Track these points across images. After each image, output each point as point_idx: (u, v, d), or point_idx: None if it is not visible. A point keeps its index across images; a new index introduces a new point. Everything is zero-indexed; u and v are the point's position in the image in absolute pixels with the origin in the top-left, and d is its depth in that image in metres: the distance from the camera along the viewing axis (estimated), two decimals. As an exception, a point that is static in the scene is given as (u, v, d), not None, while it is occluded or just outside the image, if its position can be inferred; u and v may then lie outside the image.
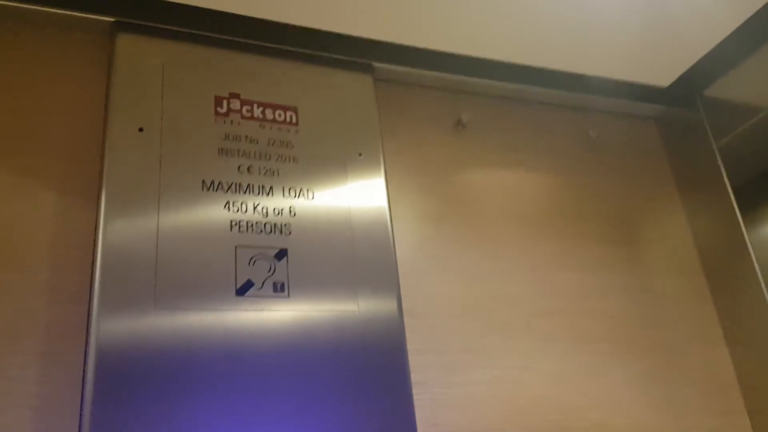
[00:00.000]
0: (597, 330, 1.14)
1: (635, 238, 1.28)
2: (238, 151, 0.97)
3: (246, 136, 0.99)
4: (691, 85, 1.41)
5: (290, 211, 0.96)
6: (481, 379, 1.01)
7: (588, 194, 1.29)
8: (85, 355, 0.77)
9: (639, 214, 1.32)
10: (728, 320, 1.26)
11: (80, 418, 0.74)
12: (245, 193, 0.94)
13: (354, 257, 0.97)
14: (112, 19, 0.98)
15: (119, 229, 0.84)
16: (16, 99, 0.92)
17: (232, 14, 1.04)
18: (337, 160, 1.04)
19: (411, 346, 0.98)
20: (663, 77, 1.40)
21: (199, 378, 0.80)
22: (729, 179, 1.33)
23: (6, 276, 0.82)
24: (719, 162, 1.36)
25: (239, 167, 0.96)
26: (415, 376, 0.97)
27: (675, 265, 1.29)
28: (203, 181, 0.92)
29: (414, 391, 0.92)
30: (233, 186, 0.94)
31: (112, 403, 0.75)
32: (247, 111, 1.01)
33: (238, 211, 0.92)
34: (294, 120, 1.04)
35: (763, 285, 1.20)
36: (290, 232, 0.95)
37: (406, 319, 1.00)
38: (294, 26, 1.08)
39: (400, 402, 0.90)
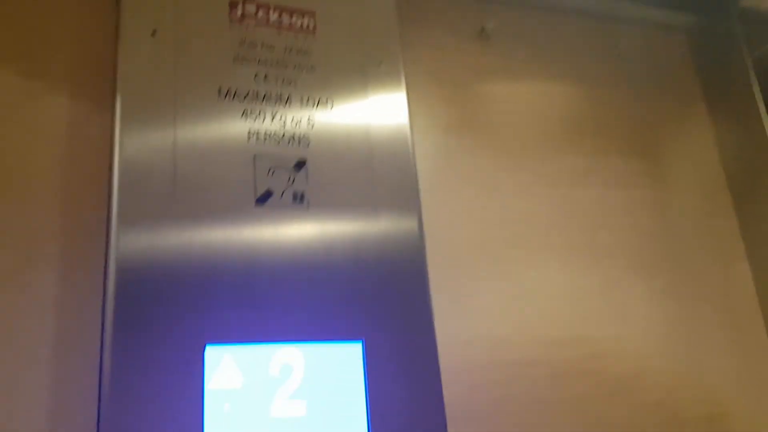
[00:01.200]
0: (616, 245, 1.13)
1: (659, 154, 1.25)
2: (255, 58, 0.94)
3: (262, 43, 0.96)
4: (726, -7, 1.35)
5: (308, 122, 0.94)
6: (498, 291, 1.01)
7: (613, 107, 1.25)
8: (105, 263, 0.77)
9: (664, 129, 1.29)
10: (751, 237, 1.24)
11: (102, 321, 0.75)
12: (263, 101, 0.92)
13: (373, 170, 0.96)
14: None
15: (135, 138, 0.83)
16: (24, 1, 0.89)
17: None
18: (356, 70, 1.01)
19: (430, 259, 0.98)
20: (697, -16, 1.33)
21: (218, 287, 0.80)
22: (761, 94, 1.28)
23: (21, 183, 0.81)
24: (751, 75, 1.31)
25: (256, 75, 0.93)
26: (434, 287, 0.97)
27: (699, 182, 1.27)
28: (219, 89, 0.90)
29: (434, 302, 0.93)
30: (250, 94, 0.92)
31: (133, 309, 0.76)
32: (263, 16, 0.97)
33: (255, 120, 0.90)
34: (311, 26, 1.00)
35: (789, 203, 1.18)
36: (309, 143, 0.93)
37: (425, 231, 0.99)
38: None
39: (420, 313, 0.91)
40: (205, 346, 0.77)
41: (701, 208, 1.24)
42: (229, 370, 0.78)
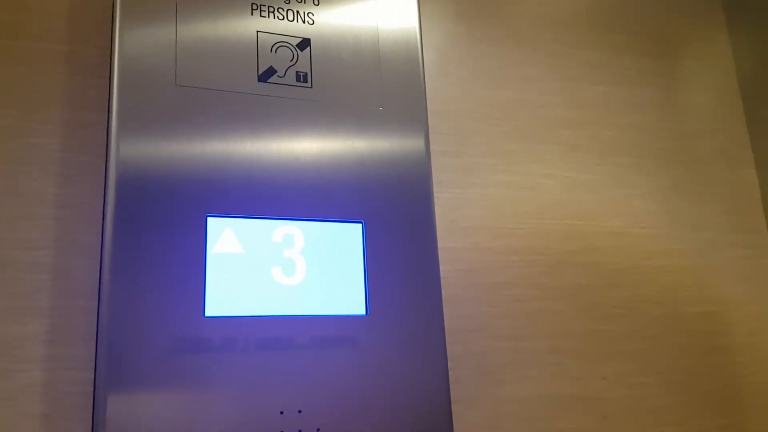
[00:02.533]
0: (623, 142, 1.12)
1: (672, 53, 1.22)
2: (259, -69, 0.91)
3: None
4: None
5: None
6: (501, 182, 1.01)
7: (628, 3, 1.21)
8: (107, 127, 0.77)
9: (679, 28, 1.25)
10: (759, 144, 1.22)
11: (104, 191, 0.75)
12: (266, -24, 0.90)
13: (379, 54, 0.94)
14: None
15: (136, 12, 0.81)
16: None
17: None
18: (364, -51, 0.98)
19: (434, 147, 0.98)
20: None
21: (219, 161, 0.81)
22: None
23: (23, 44, 0.81)
24: (774, -23, 1.26)
25: (260, -51, 0.90)
26: (435, 176, 0.97)
27: (711, 84, 1.24)
28: (222, -40, 0.87)
29: (434, 190, 0.93)
30: (253, -32, 0.89)
31: (135, 180, 0.76)
32: None
33: (258, -6, 0.88)
34: None
35: (802, 105, 1.16)
36: (313, 22, 0.91)
37: (430, 120, 0.98)
38: None
39: (421, 200, 0.91)
40: (206, 217, 0.78)
41: (711, 111, 1.22)
42: (231, 240, 0.79)
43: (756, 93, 1.25)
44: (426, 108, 0.95)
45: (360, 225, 0.86)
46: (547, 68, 1.10)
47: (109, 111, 0.77)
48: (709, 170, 1.17)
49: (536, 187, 1.03)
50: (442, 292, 0.86)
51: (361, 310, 0.82)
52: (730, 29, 1.30)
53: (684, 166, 1.15)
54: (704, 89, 1.23)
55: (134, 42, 0.80)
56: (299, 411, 0.76)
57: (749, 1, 1.30)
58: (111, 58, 0.79)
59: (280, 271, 0.80)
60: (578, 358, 0.97)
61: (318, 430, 0.76)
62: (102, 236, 0.74)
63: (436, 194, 0.96)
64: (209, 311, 0.75)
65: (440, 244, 0.92)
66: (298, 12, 0.90)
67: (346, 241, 0.85)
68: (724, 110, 1.24)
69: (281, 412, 0.76)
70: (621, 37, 1.18)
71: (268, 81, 0.86)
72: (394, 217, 0.88)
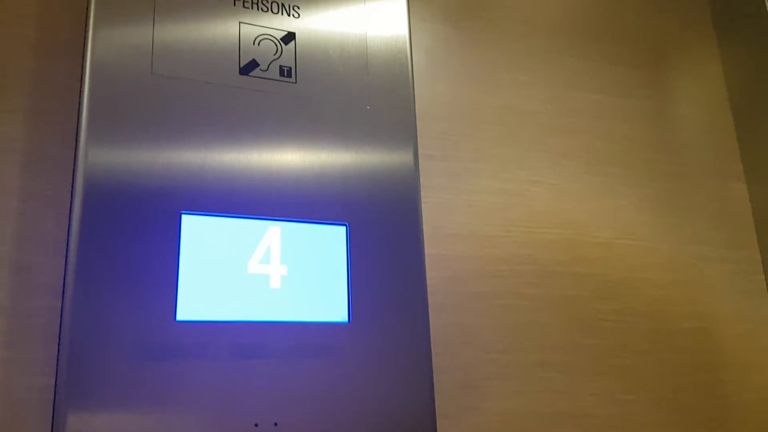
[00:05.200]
0: (613, 152, 1.09)
1: (663, 65, 1.21)
2: None
3: None
4: None
5: (299, -7, 0.88)
6: (490, 189, 0.98)
7: (620, 13, 1.20)
8: (78, 114, 0.72)
9: (670, 40, 1.24)
10: (750, 157, 1.21)
11: (73, 179, 0.71)
12: (251, -33, 0.86)
13: (366, 52, 0.91)
14: None
15: (113, -9, 0.77)
16: None
17: None
18: (353, -55, 0.94)
19: (421, 150, 0.95)
20: None
21: (196, 157, 0.76)
22: (772, 9, 1.23)
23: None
24: (763, -8, 1.25)
25: (245, -61, 0.87)
26: (423, 180, 0.94)
27: (701, 96, 1.23)
28: (205, -52, 0.83)
29: (421, 195, 0.89)
30: (238, -43, 0.85)
31: (105, 176, 0.71)
32: None
33: (242, -16, 0.85)
34: None
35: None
36: (299, 15, 0.87)
37: (417, 123, 0.95)
38: None
39: (408, 204, 0.87)
40: (180, 215, 0.74)
41: (701, 124, 1.20)
42: (206, 240, 0.74)
43: (746, 106, 1.24)
44: (414, 109, 0.91)
45: (344, 227, 0.82)
46: (538, 74, 1.08)
47: (79, 99, 0.73)
48: (699, 183, 1.15)
49: (525, 195, 1.00)
50: (428, 298, 0.82)
51: (343, 316, 0.78)
52: (720, 42, 1.29)
53: (674, 178, 1.13)
54: (695, 101, 1.21)
55: (109, 27, 0.76)
56: (275, 424, 0.72)
57: (739, 14, 1.29)
58: (84, 43, 0.75)
59: (258, 273, 0.75)
60: (566, 372, 0.93)
61: (294, 443, 0.72)
62: (68, 231, 0.69)
63: (422, 199, 0.92)
64: (181, 315, 0.70)
65: (426, 250, 0.89)
66: (283, 4, 0.87)
67: (329, 243, 0.81)
68: (714, 123, 1.22)
69: (256, 425, 0.71)
70: (613, 46, 1.16)
71: (250, 74, 0.82)
72: (380, 220, 0.84)
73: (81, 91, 0.73)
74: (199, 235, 0.74)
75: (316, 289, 0.78)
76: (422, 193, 0.92)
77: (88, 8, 0.75)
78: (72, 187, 0.71)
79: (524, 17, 1.10)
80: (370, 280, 0.80)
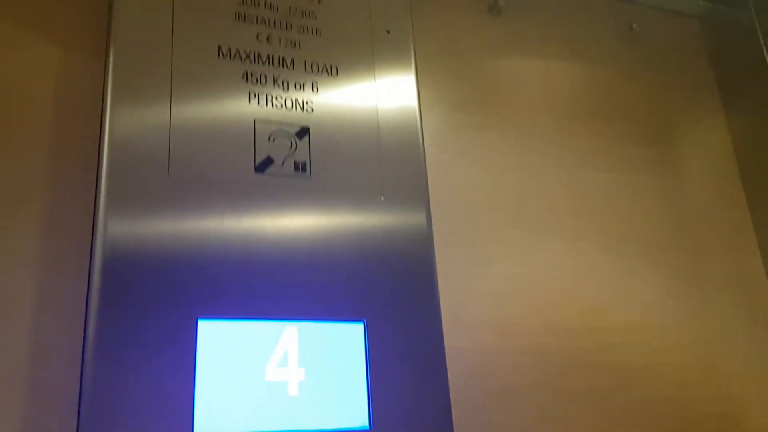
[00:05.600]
0: (627, 230, 1.08)
1: (671, 140, 1.21)
2: (257, 17, 0.88)
3: (265, 2, 0.90)
4: (743, -20, 1.31)
5: (313, 87, 0.88)
6: (507, 274, 0.96)
7: (625, 90, 1.20)
8: (93, 222, 0.71)
9: (677, 115, 1.24)
10: (764, 230, 1.20)
11: (87, 292, 0.69)
12: (265, 63, 0.86)
13: (379, 143, 0.90)
14: None
15: (128, 93, 0.77)
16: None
17: None
18: (364, 36, 0.95)
19: (436, 238, 0.93)
20: (714, -31, 1.29)
21: (212, 260, 0.75)
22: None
23: (5, 135, 0.75)
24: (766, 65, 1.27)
25: (258, 35, 0.88)
26: (439, 269, 0.92)
27: (711, 170, 1.23)
28: (219, 47, 0.84)
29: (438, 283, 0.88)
30: (252, 55, 0.86)
31: (122, 281, 0.70)
32: (267, -25, 0.92)
33: (257, 82, 0.85)
34: (318, -11, 0.95)
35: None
36: (312, 110, 0.87)
37: (432, 210, 0.94)
38: None
39: (425, 295, 0.85)
40: (197, 321, 0.72)
41: (712, 198, 1.20)
42: (223, 346, 0.72)
43: (755, 177, 1.24)
44: (428, 197, 0.91)
45: (361, 325, 0.80)
46: (548, 155, 1.08)
47: (95, 206, 0.72)
48: (715, 258, 1.14)
49: (542, 279, 0.98)
50: (450, 397, 0.79)
51: (364, 422, 0.75)
52: (727, 114, 1.30)
53: (690, 254, 1.12)
54: (704, 175, 1.21)
55: (125, 133, 0.75)
56: None
57: (744, 86, 1.30)
58: (99, 148, 0.74)
59: (276, 380, 0.73)
60: (593, 465, 0.90)
61: None
62: (84, 342, 0.67)
63: (439, 287, 0.90)
64: (198, 429, 0.67)
65: (445, 342, 0.86)
66: (296, 100, 0.87)
67: (346, 343, 0.78)
68: (725, 196, 1.22)
69: None
70: (620, 123, 1.17)
71: (266, 171, 0.82)
72: (398, 314, 0.82)
73: (96, 197, 0.72)
74: (216, 341, 0.72)
75: (335, 394, 0.75)
76: (440, 282, 0.90)
77: (102, 114, 0.75)
78: (87, 295, 0.69)
79: (531, 100, 1.10)
80: (390, 380, 0.78)
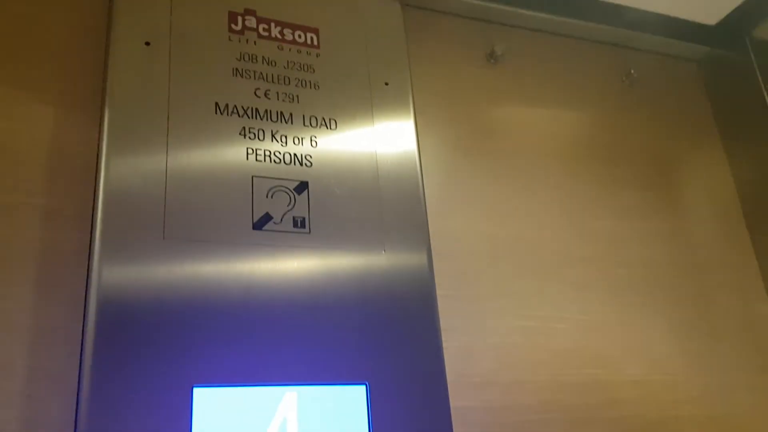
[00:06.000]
0: (632, 279, 1.06)
1: (673, 184, 1.20)
2: (255, 72, 0.88)
3: (263, 57, 0.90)
4: (739, 24, 1.31)
5: (311, 141, 0.87)
6: (513, 328, 0.94)
7: (625, 136, 1.20)
8: (87, 286, 0.69)
9: (678, 159, 1.23)
10: (768, 274, 1.18)
11: (80, 359, 0.67)
12: (263, 119, 0.86)
13: (380, 195, 0.89)
14: None
15: (123, 152, 0.76)
16: (13, 2, 0.83)
17: None
18: (362, 89, 0.95)
19: (439, 291, 0.91)
20: (710, 14, 1.30)
21: (209, 323, 0.73)
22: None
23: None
24: (766, 107, 1.26)
25: (256, 91, 0.87)
26: (443, 323, 0.90)
27: (715, 215, 1.21)
28: (216, 104, 0.83)
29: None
30: (249, 111, 0.85)
31: (115, 346, 0.68)
32: (264, 30, 0.92)
33: (255, 138, 0.84)
34: (315, 42, 0.95)
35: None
36: (311, 164, 0.86)
37: (434, 262, 0.92)
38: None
39: (429, 351, 0.83)
40: (192, 388, 0.69)
41: (717, 242, 1.18)
42: (219, 414, 0.69)
43: (759, 220, 1.23)
44: (431, 249, 0.89)
45: (364, 387, 0.78)
46: (550, 202, 1.06)
47: (88, 270, 0.70)
48: (722, 305, 1.12)
49: (549, 332, 0.96)
50: (457, 463, 0.76)
51: (368, 494, 0.72)
52: (728, 156, 1.29)
53: (697, 301, 1.09)
54: (708, 218, 1.20)
55: (120, 189, 0.74)
56: None
57: (744, 128, 1.30)
58: (93, 208, 0.73)
59: (276, 449, 0.70)
60: None
61: None
62: (76, 413, 0.64)
63: (443, 344, 0.88)
64: (194, 505, 0.64)
65: (451, 402, 0.84)
66: (295, 154, 0.86)
67: (348, 406, 0.76)
68: (730, 240, 1.20)
69: None
70: (622, 168, 1.16)
71: (264, 228, 0.80)
72: (401, 375, 0.80)
73: (90, 262, 0.70)
74: (213, 408, 0.69)
75: (338, 461, 0.72)
76: (443, 338, 0.88)
77: (97, 174, 0.74)
78: (80, 362, 0.67)
79: (531, 145, 1.10)
80: (394, 446, 0.75)
